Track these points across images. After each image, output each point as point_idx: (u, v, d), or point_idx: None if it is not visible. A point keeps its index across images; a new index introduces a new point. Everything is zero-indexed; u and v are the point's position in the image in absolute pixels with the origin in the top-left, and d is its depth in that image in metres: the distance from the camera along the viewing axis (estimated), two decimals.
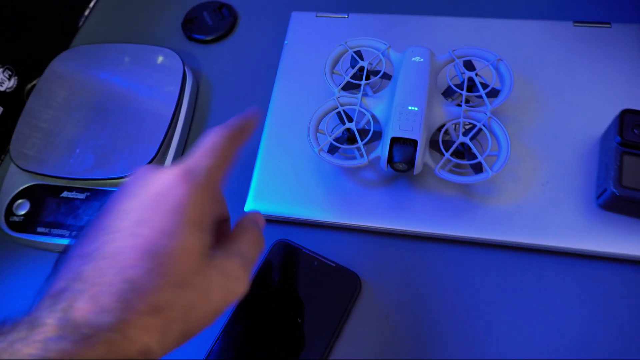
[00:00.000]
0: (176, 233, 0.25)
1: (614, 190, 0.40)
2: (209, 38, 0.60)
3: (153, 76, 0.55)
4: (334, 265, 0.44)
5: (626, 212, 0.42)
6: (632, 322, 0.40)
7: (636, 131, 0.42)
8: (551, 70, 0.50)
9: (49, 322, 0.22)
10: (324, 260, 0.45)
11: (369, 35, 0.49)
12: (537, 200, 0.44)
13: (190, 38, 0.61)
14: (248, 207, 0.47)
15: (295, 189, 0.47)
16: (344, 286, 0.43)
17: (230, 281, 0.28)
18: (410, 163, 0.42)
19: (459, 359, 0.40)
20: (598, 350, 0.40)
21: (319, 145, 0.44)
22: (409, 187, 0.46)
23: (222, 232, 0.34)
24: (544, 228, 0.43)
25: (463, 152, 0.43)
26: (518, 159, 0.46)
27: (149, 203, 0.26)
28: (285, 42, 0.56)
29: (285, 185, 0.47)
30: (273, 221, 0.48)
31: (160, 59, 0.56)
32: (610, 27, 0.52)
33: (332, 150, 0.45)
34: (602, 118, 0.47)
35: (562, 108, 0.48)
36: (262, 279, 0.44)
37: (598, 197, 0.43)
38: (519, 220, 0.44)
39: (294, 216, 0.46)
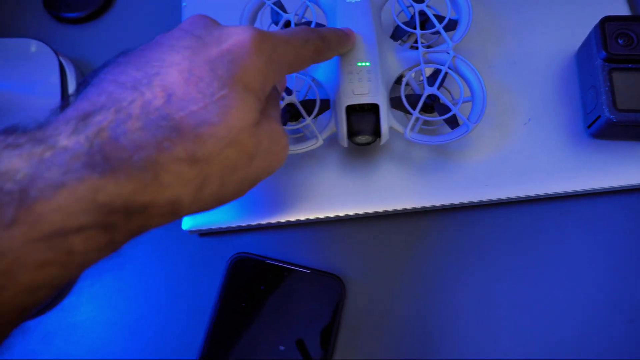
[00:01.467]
0: (234, 88, 0.22)
1: (611, 117, 0.34)
2: (82, 15, 0.47)
3: (21, 79, 0.42)
4: (307, 271, 0.36)
5: (622, 136, 0.37)
6: None
7: (621, 41, 0.36)
8: None
9: (71, 146, 0.19)
10: (294, 267, 0.37)
11: None
12: (521, 143, 0.38)
13: (59, 18, 0.47)
14: (186, 224, 0.37)
15: None
16: (325, 293, 0.36)
17: (277, 146, 0.26)
18: (375, 133, 0.34)
19: (468, 344, 0.35)
20: (618, 296, 0.35)
21: None
22: (373, 158, 0.38)
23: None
24: (535, 174, 0.37)
25: (431, 104, 0.36)
26: (490, 99, 0.39)
27: (214, 50, 0.23)
28: (183, 3, 0.44)
29: None
30: (222, 233, 0.39)
31: (24, 51, 0.43)
32: None
33: None
34: (573, 30, 0.40)
35: (525, 27, 0.41)
36: (226, 306, 0.36)
37: (589, 126, 0.37)
38: (506, 171, 0.37)
39: (246, 223, 0.38)
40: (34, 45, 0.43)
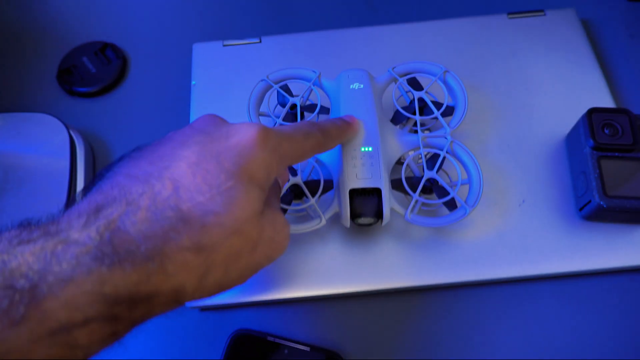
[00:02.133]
0: (241, 180, 0.23)
1: (601, 203, 0.36)
2: (94, 90, 0.49)
3: (32, 151, 0.43)
4: (307, 349, 0.36)
5: (613, 219, 0.38)
6: None
7: (607, 131, 0.38)
8: (495, 71, 0.46)
9: (82, 240, 0.19)
10: (295, 345, 0.37)
11: (288, 60, 0.41)
12: (516, 224, 0.39)
13: (72, 92, 0.49)
14: None
15: None
16: None
17: (279, 235, 0.27)
18: (377, 215, 0.35)
19: None
20: None
21: None
22: (374, 237, 0.39)
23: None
24: (529, 254, 0.38)
25: (430, 187, 0.37)
26: (486, 180, 0.40)
27: (221, 145, 0.24)
28: (193, 82, 0.46)
29: None
30: (222, 308, 0.39)
31: (36, 125, 0.45)
32: (545, 14, 0.48)
33: None
34: (562, 116, 0.43)
35: (517, 112, 0.44)
36: None
37: (580, 208, 0.39)
38: (502, 251, 0.38)
39: (247, 299, 0.38)
40: (45, 120, 0.45)
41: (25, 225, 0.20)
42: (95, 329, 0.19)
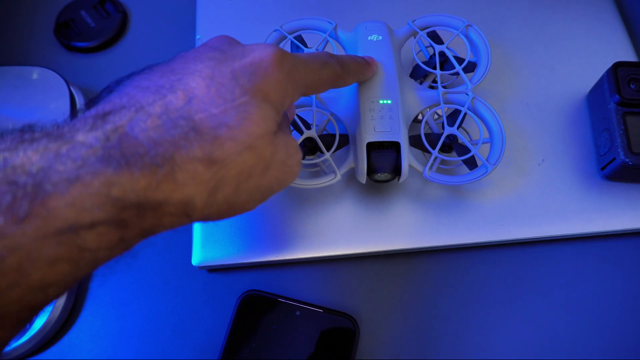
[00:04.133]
0: (255, 94, 0.23)
1: (626, 160, 0.35)
2: (93, 45, 0.46)
3: (30, 107, 0.41)
4: (320, 310, 0.35)
5: (636, 179, 0.37)
6: None
7: (633, 86, 0.37)
8: (514, 27, 0.44)
9: (88, 141, 0.19)
10: (307, 307, 0.36)
11: (298, 11, 0.39)
12: (535, 184, 0.38)
13: (70, 47, 0.47)
14: (195, 259, 0.36)
15: (250, 225, 0.37)
16: (338, 334, 0.35)
17: (291, 159, 0.26)
18: (395, 171, 0.34)
19: None
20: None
21: None
22: (389, 196, 0.38)
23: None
24: (549, 215, 0.37)
25: (450, 144, 0.36)
26: (507, 139, 0.39)
27: (236, 62, 0.23)
28: (198, 36, 0.44)
29: (238, 223, 0.37)
30: (233, 269, 0.38)
31: (35, 80, 0.42)
32: None
33: None
34: (583, 74, 0.42)
35: (538, 70, 0.42)
36: (235, 345, 0.34)
37: (602, 168, 0.38)
38: (521, 212, 0.37)
39: (257, 259, 0.37)
40: (44, 74, 0.42)
41: (27, 128, 0.19)
42: (103, 233, 0.18)
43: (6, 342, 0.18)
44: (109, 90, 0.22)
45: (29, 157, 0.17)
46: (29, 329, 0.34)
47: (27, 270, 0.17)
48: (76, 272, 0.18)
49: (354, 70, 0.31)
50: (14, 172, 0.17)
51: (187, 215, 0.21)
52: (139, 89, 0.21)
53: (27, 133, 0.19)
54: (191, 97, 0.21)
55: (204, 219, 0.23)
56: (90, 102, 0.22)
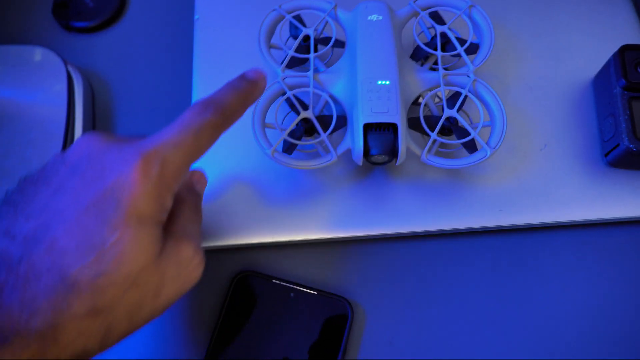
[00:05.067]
0: (127, 228, 0.22)
1: (630, 146, 0.34)
2: (92, 25, 0.46)
3: (27, 87, 0.41)
4: (315, 293, 0.35)
5: (639, 166, 0.36)
6: None
7: None
8: (518, 8, 0.43)
9: None
10: (301, 288, 0.35)
11: None
12: (537, 169, 0.38)
13: (68, 27, 0.46)
14: None
15: (246, 206, 0.37)
16: (332, 316, 0.34)
17: (186, 269, 0.25)
18: (393, 153, 0.33)
19: None
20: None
21: (271, 144, 0.34)
22: (386, 178, 0.37)
23: None
24: (550, 201, 0.37)
25: (449, 127, 0.35)
26: (507, 123, 0.38)
27: (98, 189, 0.22)
28: (196, 16, 0.44)
29: (232, 204, 0.37)
30: (228, 250, 0.37)
31: (32, 59, 0.42)
32: None
33: (288, 149, 0.35)
34: (589, 58, 0.40)
35: (542, 53, 0.41)
36: (228, 326, 0.34)
37: (606, 154, 0.37)
38: (522, 197, 0.37)
39: (252, 240, 0.36)
40: (41, 53, 0.42)
41: None
42: None
43: None
44: None
45: None
46: None
47: None
48: None
49: (237, 105, 0.27)
50: None
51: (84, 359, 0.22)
52: (7, 238, 0.21)
53: None
54: (59, 251, 0.21)
55: (105, 350, 0.23)
56: None
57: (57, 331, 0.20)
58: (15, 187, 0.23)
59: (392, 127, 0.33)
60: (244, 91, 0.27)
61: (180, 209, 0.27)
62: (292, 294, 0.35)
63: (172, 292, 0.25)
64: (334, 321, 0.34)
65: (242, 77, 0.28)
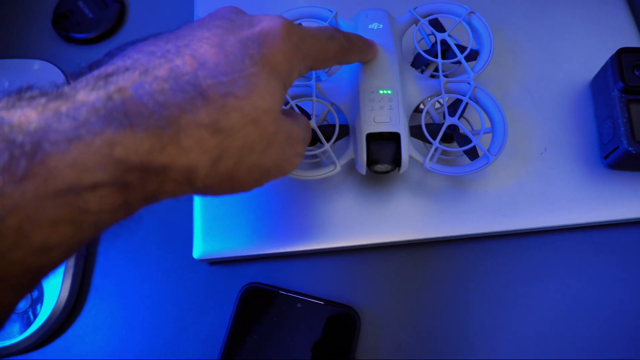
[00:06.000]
0: (263, 66, 0.22)
1: (629, 149, 0.34)
2: (92, 36, 0.46)
3: None
4: (322, 303, 0.35)
5: (639, 167, 0.37)
6: None
7: (637, 73, 0.36)
8: (515, 12, 0.43)
9: (89, 101, 0.18)
10: (308, 299, 0.36)
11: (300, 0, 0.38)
12: (538, 173, 0.38)
13: (68, 39, 0.46)
14: (197, 252, 0.36)
15: (251, 218, 0.37)
16: (339, 325, 0.35)
17: (292, 148, 0.26)
18: (395, 162, 0.33)
19: None
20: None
21: None
22: (389, 187, 0.38)
23: None
24: (552, 205, 0.37)
25: (451, 134, 0.35)
26: (508, 128, 0.38)
27: (245, 31, 0.23)
28: None
29: (238, 215, 0.37)
30: (234, 262, 0.38)
31: (33, 73, 0.42)
32: None
33: None
34: (586, 60, 0.41)
35: (540, 56, 0.42)
36: (237, 338, 0.35)
37: (606, 156, 0.37)
38: (523, 202, 0.37)
39: (258, 251, 0.37)
40: (43, 66, 0.42)
41: (25, 88, 0.18)
42: (105, 195, 0.18)
43: (10, 308, 0.18)
44: (111, 54, 0.22)
45: (27, 116, 0.17)
46: (32, 322, 0.35)
47: (28, 231, 0.16)
48: (79, 234, 0.18)
49: (359, 47, 0.31)
50: (11, 131, 0.16)
51: (189, 184, 0.21)
52: (143, 53, 0.21)
53: (25, 92, 0.18)
54: (200, 63, 0.21)
55: (205, 189, 0.22)
56: (92, 65, 0.21)
57: (179, 129, 0.19)
58: (147, 36, 0.23)
59: (394, 137, 0.33)
60: (364, 42, 0.32)
61: (298, 116, 0.28)
62: (299, 305, 0.35)
63: (274, 159, 0.24)
64: (341, 330, 0.35)
65: (362, 36, 0.33)
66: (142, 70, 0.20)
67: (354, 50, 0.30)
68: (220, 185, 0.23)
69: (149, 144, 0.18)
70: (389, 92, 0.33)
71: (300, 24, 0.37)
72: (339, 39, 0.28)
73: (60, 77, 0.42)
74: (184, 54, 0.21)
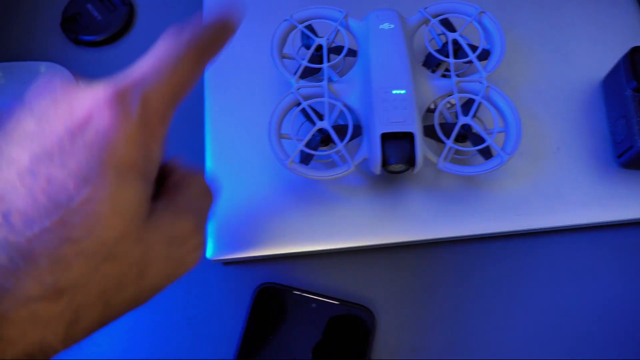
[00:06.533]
0: (99, 179, 0.17)
1: None
2: (101, 38, 0.46)
3: None
4: (336, 303, 0.35)
5: None
6: None
7: None
8: (526, 11, 0.43)
9: None
10: (323, 299, 0.35)
11: (309, 1, 0.38)
12: (550, 172, 0.38)
13: (77, 41, 0.46)
14: (210, 253, 0.36)
15: (264, 218, 0.37)
16: (354, 326, 0.35)
17: (179, 249, 0.20)
18: (410, 162, 0.33)
19: None
20: None
21: (288, 155, 0.34)
22: (402, 187, 0.38)
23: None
24: (565, 204, 0.37)
25: (464, 134, 0.35)
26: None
27: (63, 132, 0.17)
28: None
29: (251, 216, 0.37)
30: (248, 262, 0.37)
31: (41, 74, 0.42)
32: None
33: (305, 159, 0.35)
34: (598, 59, 0.41)
35: (551, 56, 0.42)
36: (251, 338, 0.34)
37: (619, 156, 0.37)
38: (537, 201, 0.37)
39: (271, 252, 0.36)
40: (52, 68, 0.42)
41: None
42: None
43: None
44: None
45: None
46: None
47: None
48: None
49: (211, 40, 0.22)
50: None
51: (40, 358, 0.17)
52: None
53: None
54: (9, 211, 0.16)
55: (71, 346, 0.18)
56: None
57: (2, 321, 0.15)
58: None
59: (408, 136, 0.33)
60: (214, 26, 0.22)
61: (184, 182, 0.22)
62: (313, 304, 0.35)
63: (159, 274, 0.20)
64: (356, 330, 0.35)
65: (212, 19, 0.23)
66: None
67: (207, 52, 0.22)
68: (93, 332, 0.19)
69: None
70: (403, 92, 0.33)
71: (307, 40, 0.36)
72: (187, 52, 0.20)
73: (70, 78, 0.41)
74: None
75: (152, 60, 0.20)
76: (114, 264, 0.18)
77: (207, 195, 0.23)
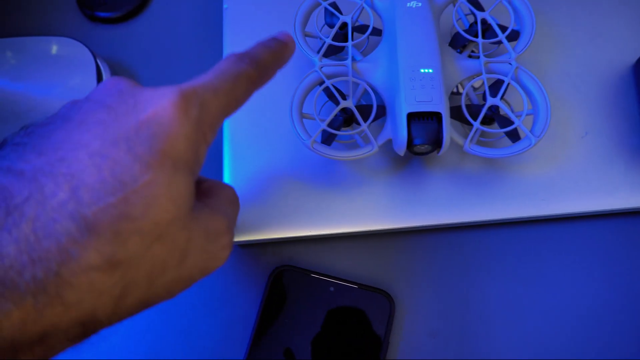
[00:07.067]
0: (160, 167, 0.19)
1: None
2: (118, 15, 0.45)
3: (55, 77, 0.40)
4: (355, 286, 0.35)
5: None
6: None
7: None
8: None
9: None
10: (341, 282, 0.35)
11: None
12: (578, 157, 0.37)
13: (93, 18, 0.46)
14: None
15: (282, 200, 0.36)
16: (373, 311, 0.34)
17: (214, 244, 0.22)
18: (436, 143, 0.32)
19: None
20: None
21: (310, 135, 0.33)
22: (424, 169, 0.37)
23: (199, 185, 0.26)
24: (593, 190, 0.36)
25: (491, 116, 0.34)
26: None
27: (131, 122, 0.19)
28: (225, 5, 0.43)
29: (269, 197, 0.36)
30: (265, 244, 0.37)
31: (60, 52, 0.41)
32: None
33: (327, 140, 0.34)
34: (628, 40, 0.40)
35: (581, 38, 0.40)
36: (268, 321, 0.34)
37: None
38: (563, 186, 0.36)
39: (289, 234, 0.36)
40: (70, 45, 0.41)
41: None
42: None
43: None
44: None
45: None
46: None
47: None
48: None
49: (271, 63, 0.25)
50: None
51: (88, 333, 0.18)
52: (10, 175, 0.17)
53: None
54: (77, 186, 0.17)
55: (113, 324, 0.19)
56: None
57: (61, 285, 0.16)
58: (18, 131, 0.19)
59: (435, 117, 0.32)
60: (276, 49, 0.26)
61: (216, 189, 0.25)
62: (331, 288, 0.35)
63: (196, 265, 0.21)
64: (375, 314, 0.34)
65: (273, 38, 0.27)
66: (7, 209, 0.16)
67: (265, 73, 0.25)
68: (130, 315, 0.20)
69: (20, 315, 0.15)
70: (431, 71, 0.32)
71: (330, 18, 0.35)
72: (245, 73, 0.23)
73: (88, 56, 0.41)
74: (58, 173, 0.17)
75: (217, 72, 0.22)
76: (162, 246, 0.19)
77: (234, 204, 0.26)
